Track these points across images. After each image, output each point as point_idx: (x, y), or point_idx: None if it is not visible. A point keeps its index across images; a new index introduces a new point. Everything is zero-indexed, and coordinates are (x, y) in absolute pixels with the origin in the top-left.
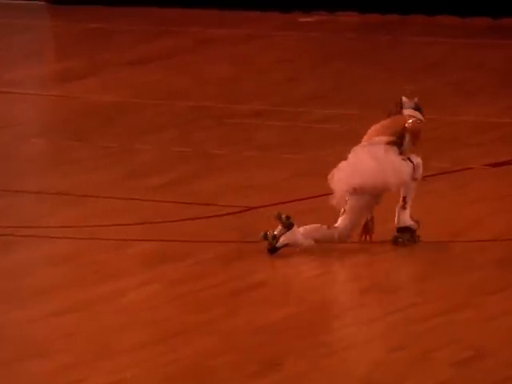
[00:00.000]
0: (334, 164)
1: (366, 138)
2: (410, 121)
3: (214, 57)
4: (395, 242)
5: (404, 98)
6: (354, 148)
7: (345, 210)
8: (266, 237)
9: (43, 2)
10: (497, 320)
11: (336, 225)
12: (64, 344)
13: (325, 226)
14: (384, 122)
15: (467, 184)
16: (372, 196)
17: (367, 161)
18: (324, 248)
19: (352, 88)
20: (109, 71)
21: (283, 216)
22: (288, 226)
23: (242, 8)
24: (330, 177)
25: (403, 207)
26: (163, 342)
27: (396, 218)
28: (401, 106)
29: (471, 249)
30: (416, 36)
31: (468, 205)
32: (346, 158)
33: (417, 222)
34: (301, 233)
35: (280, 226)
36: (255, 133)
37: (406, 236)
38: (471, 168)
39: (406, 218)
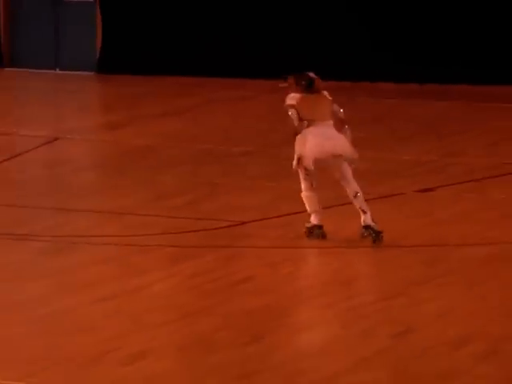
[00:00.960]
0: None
1: (319, 118)
2: (342, 111)
3: (217, 111)
4: (363, 236)
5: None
6: (315, 128)
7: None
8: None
9: (92, 73)
10: (423, 304)
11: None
12: (106, 322)
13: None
14: (323, 105)
15: (402, 205)
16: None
17: (339, 135)
18: (296, 251)
19: None
20: (141, 122)
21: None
22: None
23: (239, 76)
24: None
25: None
26: (181, 321)
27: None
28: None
29: (405, 252)
30: (365, 97)
31: (403, 219)
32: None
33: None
34: None
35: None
36: (246, 167)
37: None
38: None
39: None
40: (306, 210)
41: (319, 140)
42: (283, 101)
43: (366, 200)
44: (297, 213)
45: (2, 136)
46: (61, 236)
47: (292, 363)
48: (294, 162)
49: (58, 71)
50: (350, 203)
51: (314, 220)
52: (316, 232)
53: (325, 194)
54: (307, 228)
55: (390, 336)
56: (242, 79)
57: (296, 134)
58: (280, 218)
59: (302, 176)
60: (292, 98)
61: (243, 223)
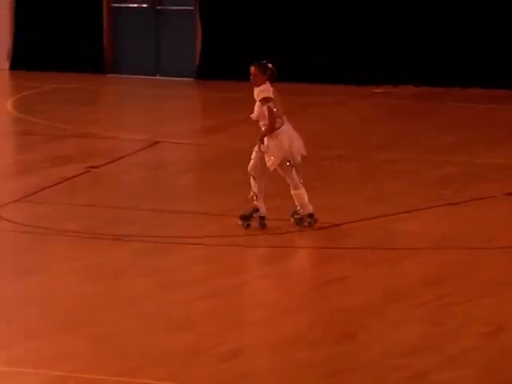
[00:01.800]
0: (395, 195)
1: (283, 113)
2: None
3: (310, 116)
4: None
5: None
6: (287, 126)
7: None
8: None
9: (192, 79)
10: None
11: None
12: (203, 320)
13: None
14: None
15: (492, 207)
16: None
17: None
18: (388, 252)
19: (410, 139)
20: (238, 126)
21: None
22: None
23: (330, 82)
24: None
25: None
26: (275, 319)
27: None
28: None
29: (494, 253)
30: (456, 103)
31: (493, 221)
32: None
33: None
34: None
35: None
36: (339, 170)
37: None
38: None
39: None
40: (401, 212)
41: (297, 137)
42: (375, 105)
43: (456, 203)
44: (390, 214)
45: (105, 139)
46: (160, 236)
47: (382, 361)
48: (275, 162)
49: (158, 77)
50: (437, 206)
51: (307, 210)
52: (308, 220)
53: (409, 198)
54: (298, 218)
55: (479, 335)
56: (334, 85)
57: (273, 130)
58: (374, 220)
59: (288, 175)
60: (267, 91)
61: (337, 225)
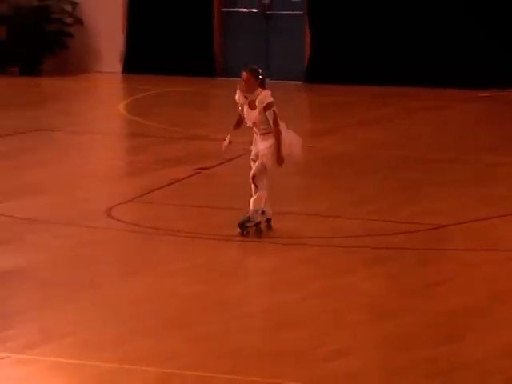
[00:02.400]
0: (501, 197)
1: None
2: None
3: (416, 120)
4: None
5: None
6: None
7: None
8: None
9: (300, 82)
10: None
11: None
12: (310, 319)
13: None
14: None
15: None
16: None
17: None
18: (493, 253)
19: None
20: (344, 130)
21: None
22: None
23: (436, 86)
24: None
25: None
26: (380, 319)
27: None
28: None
29: None
30: None
31: None
32: None
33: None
34: None
35: None
36: (446, 172)
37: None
38: None
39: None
40: (507, 214)
41: (296, 139)
42: (480, 109)
43: None
44: (496, 217)
45: (215, 141)
46: (267, 237)
47: (485, 362)
48: (272, 164)
49: (267, 80)
50: None
51: (263, 216)
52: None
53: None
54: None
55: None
56: (439, 89)
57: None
58: (480, 222)
59: (264, 177)
60: (269, 96)
61: (443, 226)
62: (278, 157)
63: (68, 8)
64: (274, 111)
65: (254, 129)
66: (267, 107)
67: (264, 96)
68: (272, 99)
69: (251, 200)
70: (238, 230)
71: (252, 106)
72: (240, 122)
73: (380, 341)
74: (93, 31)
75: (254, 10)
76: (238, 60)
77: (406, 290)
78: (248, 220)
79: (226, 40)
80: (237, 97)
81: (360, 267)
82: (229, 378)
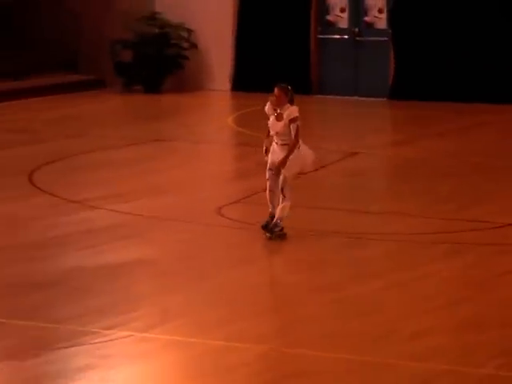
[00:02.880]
0: None
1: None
2: None
3: (486, 131)
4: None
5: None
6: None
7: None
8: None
9: (385, 99)
10: None
11: None
12: (390, 306)
13: None
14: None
15: None
16: None
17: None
18: None
19: None
20: (421, 140)
21: None
22: None
23: (508, 102)
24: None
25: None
26: (449, 306)
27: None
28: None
29: None
30: None
31: None
32: None
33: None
34: None
35: None
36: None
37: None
38: None
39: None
40: None
41: (310, 152)
42: None
43: None
44: None
45: (313, 150)
46: (356, 233)
47: None
48: (295, 172)
49: (356, 98)
50: None
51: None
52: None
53: None
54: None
55: None
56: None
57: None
58: None
59: (289, 188)
60: (297, 111)
61: (510, 224)
62: (284, 160)
63: (184, 34)
64: (297, 125)
65: (275, 138)
66: (293, 120)
67: (292, 111)
68: (298, 114)
69: (278, 208)
70: (267, 234)
71: (279, 118)
72: (269, 133)
73: (450, 325)
74: (206, 54)
75: (346, 37)
76: (332, 79)
77: (479, 279)
78: (276, 225)
79: (322, 62)
80: (266, 108)
81: (436, 260)
82: (322, 355)
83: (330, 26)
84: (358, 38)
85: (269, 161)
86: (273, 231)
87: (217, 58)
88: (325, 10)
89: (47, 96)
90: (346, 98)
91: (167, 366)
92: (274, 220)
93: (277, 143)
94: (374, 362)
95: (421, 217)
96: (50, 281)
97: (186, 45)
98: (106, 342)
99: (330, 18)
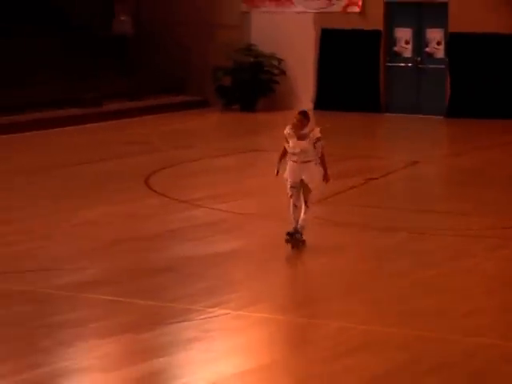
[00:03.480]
0: None
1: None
2: None
3: None
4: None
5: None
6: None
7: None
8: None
9: (442, 117)
10: None
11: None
12: (443, 289)
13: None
14: (299, 145)
15: None
16: None
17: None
18: None
19: None
20: (475, 152)
21: None
22: None
23: None
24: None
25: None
26: (498, 289)
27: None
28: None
29: None
30: None
31: None
32: None
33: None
34: None
35: None
36: None
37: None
38: None
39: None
40: None
41: None
42: None
43: None
44: None
45: (379, 159)
46: (419, 228)
47: None
48: (316, 186)
49: (418, 116)
50: None
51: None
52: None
53: None
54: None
55: None
56: None
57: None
58: None
59: (310, 197)
60: (319, 132)
61: None
62: (326, 174)
63: (275, 63)
64: (322, 145)
65: (294, 157)
66: (318, 139)
67: (316, 131)
68: (320, 135)
69: (301, 219)
70: (289, 243)
71: (301, 138)
72: (284, 155)
73: (502, 304)
74: (292, 80)
75: (409, 65)
76: (397, 100)
77: None
78: (299, 234)
79: (389, 85)
80: (286, 131)
81: (488, 251)
82: (387, 330)
83: (397, 56)
84: (419, 66)
85: (290, 179)
86: (296, 239)
87: (302, 83)
88: (392, 42)
89: (160, 114)
90: (409, 115)
91: (258, 339)
92: (300, 230)
93: (296, 161)
94: (431, 336)
95: (474, 215)
96: (164, 267)
97: (276, 71)
98: (209, 318)
99: (396, 49)
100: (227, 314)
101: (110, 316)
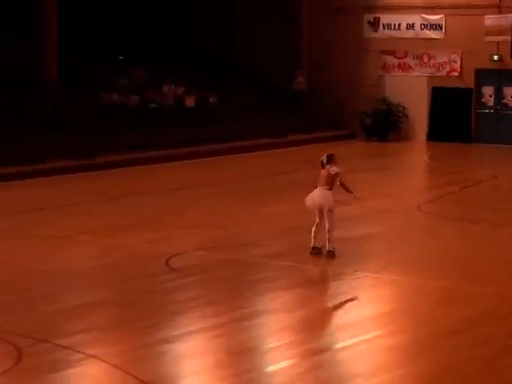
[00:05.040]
0: None
1: (319, 185)
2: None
3: None
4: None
5: (323, 158)
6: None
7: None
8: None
9: None
10: None
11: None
12: (503, 263)
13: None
14: (323, 176)
15: None
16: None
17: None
18: None
19: None
20: None
21: None
22: None
23: None
24: (306, 199)
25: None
26: None
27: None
28: (323, 163)
29: None
30: None
31: None
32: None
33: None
34: None
35: None
36: None
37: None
38: None
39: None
40: None
41: None
42: None
43: None
44: None
45: (472, 174)
46: (496, 221)
47: None
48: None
49: (499, 145)
50: None
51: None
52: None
53: None
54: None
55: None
56: None
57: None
58: None
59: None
60: (336, 169)
61: None
62: (352, 194)
63: (401, 109)
64: (341, 179)
65: (320, 186)
66: (336, 175)
67: (335, 169)
68: (338, 171)
69: (327, 236)
70: (327, 255)
71: (327, 172)
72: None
73: None
74: (412, 120)
75: (492, 111)
76: (484, 134)
77: None
78: (333, 250)
79: (478, 124)
80: (323, 161)
81: None
82: (441, 285)
83: (483, 105)
84: (499, 112)
85: (313, 202)
86: (333, 254)
87: (418, 123)
88: (480, 95)
89: (324, 143)
90: (492, 145)
91: (388, 293)
92: (331, 248)
93: (321, 188)
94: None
95: None
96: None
97: (401, 115)
98: (355, 278)
99: (483, 100)
100: (367, 275)
101: (289, 276)
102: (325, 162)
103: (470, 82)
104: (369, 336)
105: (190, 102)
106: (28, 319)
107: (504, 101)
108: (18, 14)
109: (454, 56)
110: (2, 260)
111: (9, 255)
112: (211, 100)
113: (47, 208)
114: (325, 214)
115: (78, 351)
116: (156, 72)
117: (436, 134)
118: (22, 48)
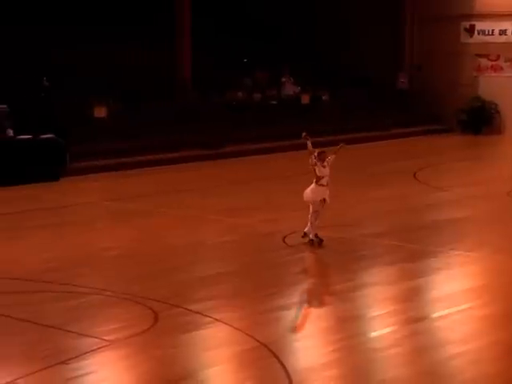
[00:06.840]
0: None
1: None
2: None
3: None
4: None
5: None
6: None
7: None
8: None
9: None
10: None
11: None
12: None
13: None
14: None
15: None
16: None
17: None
18: None
19: None
20: None
21: None
22: None
23: None
24: (304, 193)
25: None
26: None
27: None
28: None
29: None
30: None
31: None
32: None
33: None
34: None
35: None
36: None
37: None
38: None
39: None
40: None
41: None
42: None
43: None
44: None
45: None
46: None
47: None
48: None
49: None
50: None
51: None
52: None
53: None
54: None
55: None
56: None
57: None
58: None
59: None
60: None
61: None
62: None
63: (493, 106)
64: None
65: (322, 181)
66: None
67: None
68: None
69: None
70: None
71: (325, 167)
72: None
73: None
74: (503, 116)
75: None
76: None
77: None
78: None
79: None
80: (311, 161)
81: None
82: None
83: None
84: None
85: (318, 198)
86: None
87: (509, 117)
88: None
89: (423, 135)
90: None
91: (477, 269)
92: (312, 233)
93: (324, 185)
94: None
95: None
96: (424, 226)
97: (493, 111)
98: (448, 256)
99: None
100: (460, 253)
101: (391, 253)
102: (316, 159)
103: None
104: (462, 307)
105: (305, 99)
106: (164, 287)
107: None
108: (155, 20)
109: None
110: (143, 236)
111: (150, 232)
112: (324, 98)
113: (182, 190)
114: (319, 207)
115: (207, 315)
116: (276, 72)
117: None
118: (160, 49)
